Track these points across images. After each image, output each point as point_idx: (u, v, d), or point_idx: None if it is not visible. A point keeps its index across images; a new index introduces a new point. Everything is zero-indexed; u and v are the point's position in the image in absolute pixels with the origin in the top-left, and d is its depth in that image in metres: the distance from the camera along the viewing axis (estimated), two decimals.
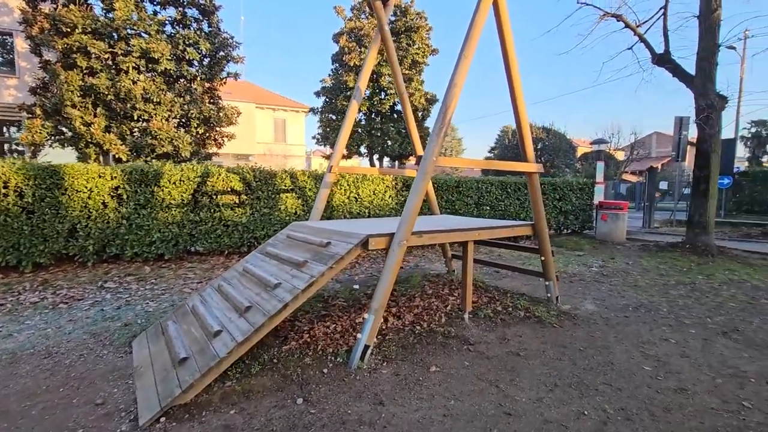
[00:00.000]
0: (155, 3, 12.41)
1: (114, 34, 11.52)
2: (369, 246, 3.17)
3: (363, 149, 16.82)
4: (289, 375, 2.88)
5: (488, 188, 8.96)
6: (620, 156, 34.75)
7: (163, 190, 6.25)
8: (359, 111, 15.76)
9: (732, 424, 2.35)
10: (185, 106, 12.03)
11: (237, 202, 6.80)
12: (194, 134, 12.74)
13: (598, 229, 10.08)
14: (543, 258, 4.61)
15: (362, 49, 14.55)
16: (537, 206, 4.41)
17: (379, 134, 15.79)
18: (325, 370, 2.96)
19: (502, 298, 4.84)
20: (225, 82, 14.27)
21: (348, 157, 17.36)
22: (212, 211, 6.59)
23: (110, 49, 11.20)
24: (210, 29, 13.45)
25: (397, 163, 17.84)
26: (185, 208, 6.41)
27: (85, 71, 11.10)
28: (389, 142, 16.02)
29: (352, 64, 14.42)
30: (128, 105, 11.20)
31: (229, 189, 6.69)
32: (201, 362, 2.62)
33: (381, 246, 3.26)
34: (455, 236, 3.81)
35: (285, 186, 7.08)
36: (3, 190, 5.33)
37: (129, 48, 11.28)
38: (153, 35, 11.71)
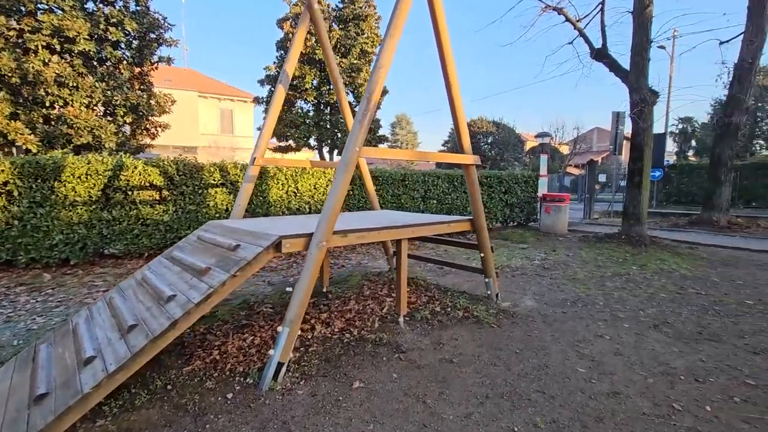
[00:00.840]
0: None
1: (21, 8, 10.12)
2: (282, 248, 2.78)
3: (312, 141, 16.21)
4: (184, 404, 2.44)
5: (435, 182, 8.79)
6: (565, 150, 36.42)
7: (65, 186, 5.44)
8: (306, 101, 15.11)
9: (663, 431, 2.22)
10: (109, 93, 10.84)
11: (158, 198, 6.11)
12: (120, 123, 11.57)
13: (542, 221, 10.26)
14: (482, 254, 4.43)
15: (308, 36, 13.89)
16: (475, 200, 4.20)
17: (328, 126, 15.24)
18: (230, 395, 2.54)
19: (442, 297, 4.62)
20: (156, 67, 13.11)
21: (296, 149, 16.67)
22: (128, 208, 5.86)
23: (15, 26, 9.82)
24: (138, 8, 12.24)
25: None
26: (94, 206, 5.63)
27: None
28: (339, 135, 15.53)
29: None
30: (38, 89, 9.90)
31: (147, 184, 5.98)
32: (60, 399, 2.12)
33: (297, 248, 2.87)
34: (386, 234, 3.49)
35: (214, 180, 6.46)
36: None
37: (38, 24, 9.94)
38: (67, 11, 10.41)
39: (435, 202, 8.79)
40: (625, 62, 8.20)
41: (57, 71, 9.91)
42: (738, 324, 3.90)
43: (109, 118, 11.45)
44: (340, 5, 15.08)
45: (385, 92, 15.73)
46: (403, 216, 4.60)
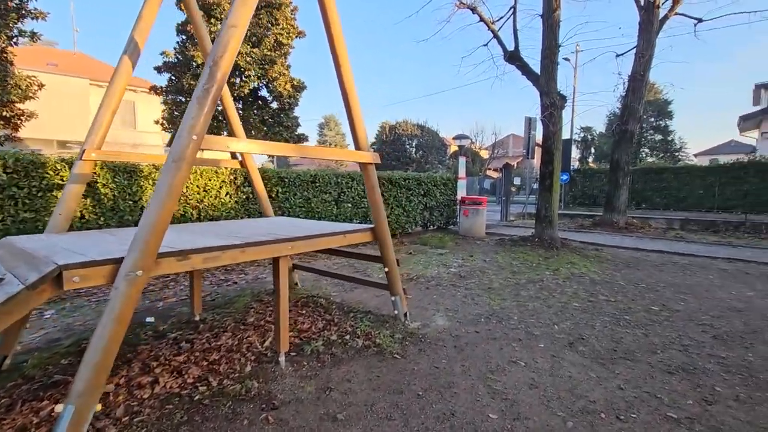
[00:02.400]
0: None
1: None
2: (65, 284, 1.84)
3: None
4: None
5: (350, 183, 8.10)
6: (485, 155, 38.21)
7: None
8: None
9: None
10: None
11: None
12: None
13: (461, 224, 10.10)
14: (386, 269, 3.80)
15: (212, 20, 12.42)
16: (375, 206, 3.55)
17: (241, 121, 13.83)
18: None
19: (343, 320, 3.91)
20: (16, 42, 10.76)
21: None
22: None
23: None
24: None
25: (267, 156, 16.03)
26: None
27: None
28: (252, 132, 14.18)
29: None
30: None
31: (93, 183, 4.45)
32: None
33: (97, 281, 1.95)
34: (253, 253, 2.67)
35: (62, 180, 5.08)
36: None
37: None
38: None
39: (350, 206, 8.10)
40: (537, 67, 8.27)
41: None
42: (648, 335, 3.71)
43: None
44: None
45: (302, 87, 14.73)
46: (291, 226, 3.80)
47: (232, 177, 6.56)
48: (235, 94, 12.96)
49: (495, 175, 34.00)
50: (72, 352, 3.18)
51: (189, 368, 2.86)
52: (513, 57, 8.43)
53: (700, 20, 10.42)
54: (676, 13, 10.27)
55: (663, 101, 31.58)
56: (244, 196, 6.66)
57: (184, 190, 6.01)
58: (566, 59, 19.94)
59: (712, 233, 10.54)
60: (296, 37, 14.64)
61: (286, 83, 13.75)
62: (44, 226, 4.94)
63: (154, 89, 14.00)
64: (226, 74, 2.32)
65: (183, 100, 13.55)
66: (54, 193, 5.03)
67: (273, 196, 7.01)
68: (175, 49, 13.32)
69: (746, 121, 19.45)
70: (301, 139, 15.07)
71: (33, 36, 10.68)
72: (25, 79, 10.30)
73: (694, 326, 3.97)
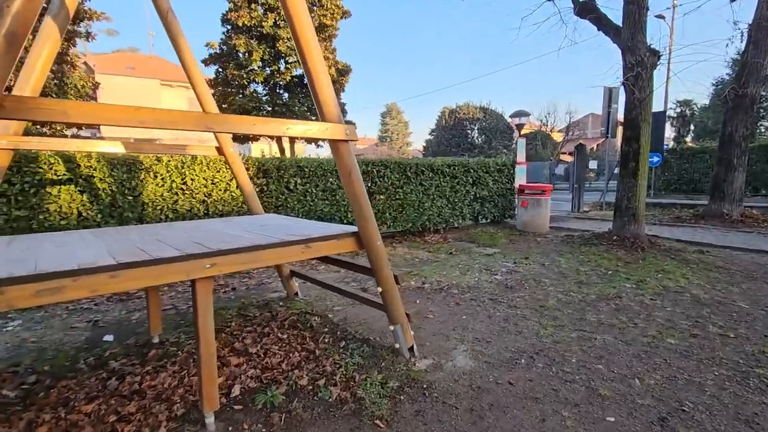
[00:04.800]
0: None
1: None
2: None
3: None
4: None
5: (382, 171, 7.07)
6: (558, 137, 34.67)
7: None
8: (256, 82, 13.21)
9: None
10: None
11: None
12: None
13: (518, 217, 8.59)
14: (380, 290, 2.75)
15: (253, 6, 12.01)
16: (357, 199, 2.50)
17: (284, 110, 13.44)
18: None
19: (328, 352, 2.96)
20: (74, 43, 11.23)
21: (255, 138, 14.86)
22: None
23: None
24: None
25: (312, 145, 15.60)
26: None
27: None
28: (300, 119, 13.69)
29: (241, 24, 11.86)
30: None
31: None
32: None
33: None
34: (140, 276, 1.79)
35: (56, 175, 4.72)
36: None
37: None
38: None
39: (383, 198, 7.09)
40: (617, 18, 6.47)
41: None
42: None
43: None
44: None
45: (347, 71, 13.90)
46: (260, 228, 2.89)
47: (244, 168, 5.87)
48: (276, 82, 12.51)
49: (569, 159, 30.67)
50: None
51: (82, 430, 2.10)
52: (585, 8, 6.71)
53: None
54: None
55: None
56: (257, 189, 5.95)
57: (189, 183, 5.45)
58: (660, 16, 16.74)
59: None
60: (342, 17, 13.80)
61: (330, 67, 13.00)
62: (38, 225, 4.64)
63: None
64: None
65: (230, 91, 13.44)
66: (49, 190, 4.69)
67: (291, 188, 6.24)
68: (221, 40, 13.22)
69: None
70: None
71: (87, 36, 11.05)
72: (80, 80, 10.69)
73: None
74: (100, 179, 4.94)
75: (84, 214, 4.89)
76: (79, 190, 4.87)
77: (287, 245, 2.28)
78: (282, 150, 14.42)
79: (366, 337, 3.26)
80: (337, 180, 6.65)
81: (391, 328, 2.86)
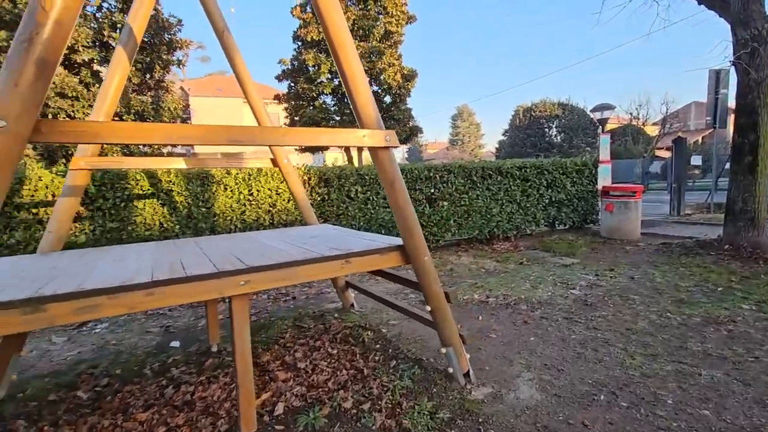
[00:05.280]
0: None
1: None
2: None
3: None
4: None
5: (445, 177, 6.77)
6: (652, 131, 31.03)
7: None
8: (326, 94, 13.66)
9: None
10: None
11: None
12: None
13: (603, 222, 7.68)
14: (429, 307, 2.50)
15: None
16: (401, 211, 2.29)
17: (351, 119, 13.69)
18: None
19: (377, 372, 2.78)
20: (168, 71, 12.59)
21: (325, 148, 15.35)
22: (33, 229, 4.81)
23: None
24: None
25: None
26: None
27: None
28: None
29: (309, 39, 12.38)
30: None
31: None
32: None
33: None
34: (176, 293, 1.77)
35: (141, 190, 5.21)
36: None
37: None
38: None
39: (446, 204, 6.77)
40: None
41: (54, 82, 9.61)
42: None
43: None
44: None
45: (412, 76, 13.75)
46: (309, 239, 2.82)
47: (306, 177, 6.00)
48: (341, 92, 12.80)
49: (666, 155, 27.27)
50: (66, 383, 2.85)
51: None
52: None
53: None
54: None
55: None
56: (319, 198, 6.04)
57: (255, 194, 5.68)
58: None
59: None
60: (407, 23, 13.75)
61: (395, 74, 13.00)
62: (128, 236, 5.14)
63: (277, 97, 14.97)
64: (71, 15, 1.44)
65: (303, 104, 14.06)
66: (135, 204, 5.18)
67: (352, 196, 6.23)
68: (292, 56, 13.93)
69: None
70: (414, 132, 14.16)
71: (179, 64, 12.31)
72: (172, 103, 11.92)
73: None
74: (178, 192, 5.35)
75: (165, 225, 5.33)
76: (160, 203, 5.31)
77: (325, 261, 2.15)
78: (350, 159, 14.73)
79: (419, 357, 3.02)
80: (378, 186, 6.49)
81: (443, 350, 2.60)
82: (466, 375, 2.60)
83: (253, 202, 5.69)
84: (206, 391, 2.62)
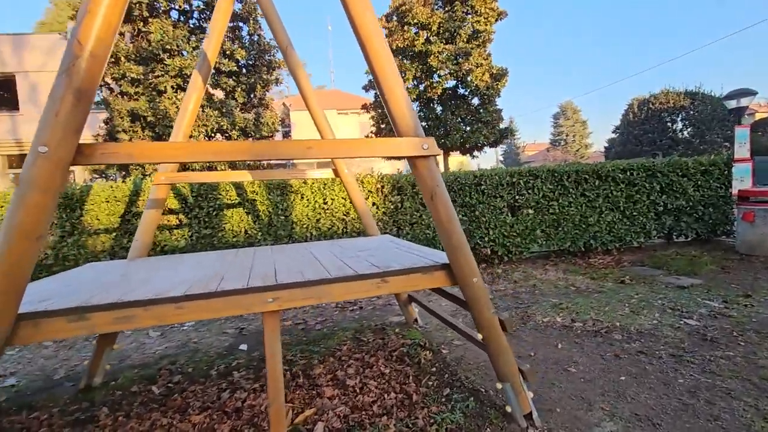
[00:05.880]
0: (192, 17, 12.42)
1: (159, 53, 11.72)
2: None
3: None
4: None
5: (530, 182, 6.15)
6: None
7: (88, 214, 5.45)
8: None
9: None
10: (219, 119, 11.75)
11: (176, 223, 5.66)
12: None
13: (739, 235, 6.23)
14: (481, 336, 2.20)
15: (405, 28, 12.48)
16: (444, 226, 2.03)
17: (437, 124, 13.46)
18: None
19: (427, 400, 2.54)
20: (269, 89, 13.79)
21: (448, 153, 15.26)
22: None
23: (149, 73, 11.45)
24: (252, 37, 13.09)
25: (467, 156, 15.18)
26: (115, 233, 5.50)
27: (134, 97, 11.62)
28: (449, 135, 13.50)
29: (395, 47, 12.47)
30: (166, 124, 11.34)
31: (165, 208, 5.58)
32: None
33: None
34: (204, 308, 1.78)
35: (230, 200, 5.69)
36: None
37: (166, 68, 11.42)
38: (189, 53, 11.71)
39: (531, 212, 6.15)
40: None
41: (177, 105, 11.18)
42: None
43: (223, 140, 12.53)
44: None
45: (502, 74, 12.98)
46: (349, 253, 2.71)
47: (379, 186, 5.96)
48: (428, 97, 12.62)
49: None
50: (147, 376, 3.15)
51: None
52: None
53: None
54: None
55: None
56: (392, 206, 5.95)
57: (329, 203, 5.81)
58: None
59: None
60: (497, 20, 13.07)
61: (483, 74, 12.42)
62: (218, 241, 5.64)
63: (364, 106, 15.40)
64: (105, 47, 1.52)
65: (386, 112, 14.24)
66: (224, 212, 5.68)
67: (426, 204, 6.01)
68: None
69: None
70: (505, 134, 13.33)
71: (276, 82, 13.40)
72: (270, 118, 12.99)
73: None
74: (260, 202, 5.73)
75: (249, 232, 5.74)
76: (246, 212, 5.74)
77: (359, 279, 2.00)
78: (446, 165, 14.49)
79: (476, 388, 2.69)
80: (476, 194, 6.09)
81: (499, 386, 2.25)
82: (528, 417, 2.22)
83: (327, 211, 5.84)
84: (256, 400, 2.66)
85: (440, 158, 15.02)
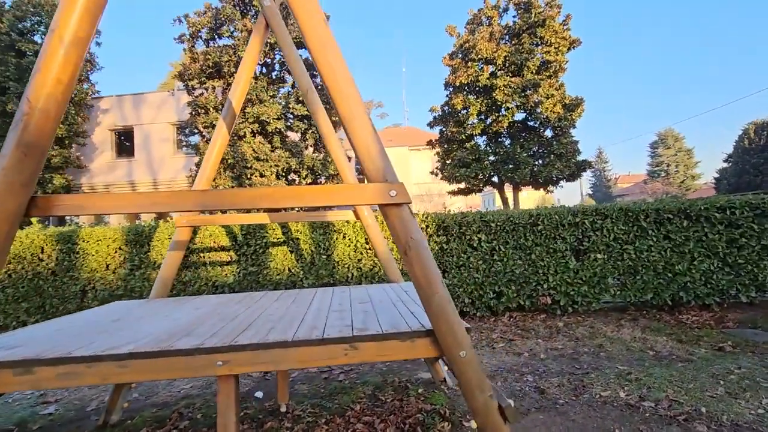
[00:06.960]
0: (274, 69, 13.66)
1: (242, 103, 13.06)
2: None
3: (495, 179, 14.02)
4: None
5: (597, 222, 5.36)
6: None
7: (154, 250, 5.94)
8: (477, 135, 13.22)
9: None
10: (290, 159, 12.51)
11: (227, 260, 5.92)
12: (299, 184, 13.12)
13: None
14: (475, 425, 1.76)
15: (469, 64, 12.33)
16: (421, 285, 1.69)
17: (506, 159, 12.83)
18: None
19: None
20: (337, 130, 14.41)
21: (478, 190, 14.79)
22: (200, 271, 5.89)
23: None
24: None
25: (541, 191, 14.15)
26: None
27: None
28: (522, 166, 12.74)
29: (458, 84, 12.35)
30: (244, 165, 12.37)
31: (217, 245, 5.90)
32: None
33: None
34: (148, 369, 1.65)
35: (275, 238, 5.81)
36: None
37: (245, 116, 12.61)
38: (266, 100, 12.84)
39: (600, 257, 5.32)
40: None
41: (253, 149, 12.19)
42: None
43: (296, 179, 13.23)
44: (514, 18, 12.86)
45: (576, 104, 12.00)
46: (347, 305, 2.46)
47: (423, 225, 5.66)
48: (494, 131, 12.13)
49: None
50: (159, 419, 3.13)
51: None
52: None
53: None
54: None
55: None
56: (437, 247, 5.57)
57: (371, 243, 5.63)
58: None
59: None
60: (569, 49, 12.35)
61: (554, 105, 11.65)
62: (263, 279, 5.75)
63: (429, 143, 15.32)
64: (56, 103, 1.55)
65: (455, 148, 14.00)
66: (270, 250, 5.80)
67: (474, 245, 5.53)
68: (443, 102, 14.15)
69: None
70: (582, 168, 12.17)
71: (335, 125, 13.99)
72: (311, 158, 13.26)
73: None
74: (303, 241, 5.76)
75: (292, 270, 5.77)
76: (290, 250, 5.81)
77: (322, 344, 1.74)
78: (504, 200, 13.65)
79: None
80: (533, 236, 5.47)
81: None
82: None
83: (370, 251, 5.66)
84: None
85: (509, 193, 14.21)
